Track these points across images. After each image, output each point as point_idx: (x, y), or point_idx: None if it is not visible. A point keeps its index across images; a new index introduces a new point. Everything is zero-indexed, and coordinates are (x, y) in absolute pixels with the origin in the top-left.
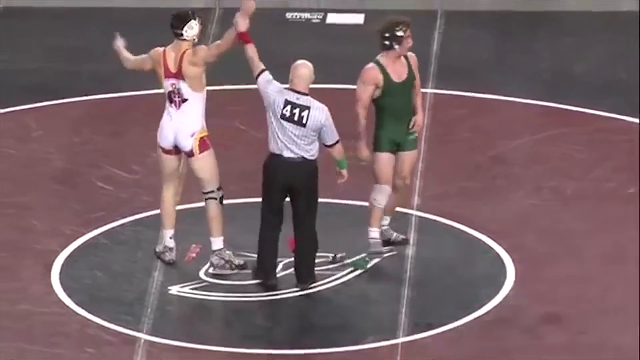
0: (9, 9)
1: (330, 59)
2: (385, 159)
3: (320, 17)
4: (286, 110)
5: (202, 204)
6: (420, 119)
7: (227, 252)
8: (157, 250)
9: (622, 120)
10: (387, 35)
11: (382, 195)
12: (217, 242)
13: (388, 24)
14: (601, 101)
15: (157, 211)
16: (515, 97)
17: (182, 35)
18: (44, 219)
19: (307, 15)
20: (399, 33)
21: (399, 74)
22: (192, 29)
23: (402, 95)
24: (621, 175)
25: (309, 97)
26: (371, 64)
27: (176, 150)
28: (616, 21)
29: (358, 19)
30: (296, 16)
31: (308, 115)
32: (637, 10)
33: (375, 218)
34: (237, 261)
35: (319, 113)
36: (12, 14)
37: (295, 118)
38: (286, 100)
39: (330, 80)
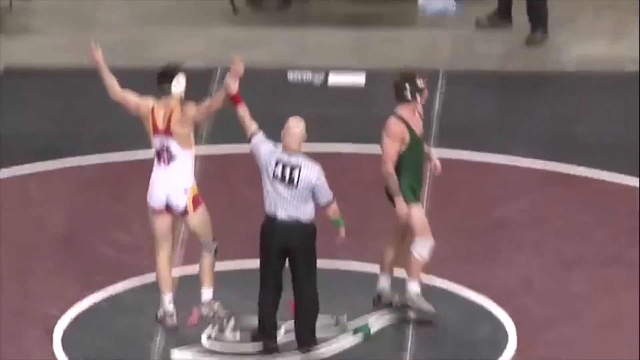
0: (10, 70)
1: (332, 119)
2: (420, 209)
3: (322, 77)
4: (277, 170)
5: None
6: (439, 164)
7: (216, 303)
8: (158, 316)
9: (624, 182)
10: (408, 86)
11: (427, 249)
12: (208, 293)
13: (408, 75)
14: (602, 162)
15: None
16: (516, 158)
17: (170, 91)
18: (45, 283)
19: (308, 75)
20: (420, 84)
21: (418, 126)
22: (179, 84)
23: (421, 147)
24: (622, 237)
25: (300, 156)
26: (394, 119)
27: (168, 209)
28: (617, 82)
29: (360, 79)
30: (297, 76)
31: (299, 175)
32: (637, 71)
33: (417, 272)
34: (223, 312)
35: (310, 172)
36: (13, 74)
37: (287, 178)
38: (277, 159)
39: (332, 140)
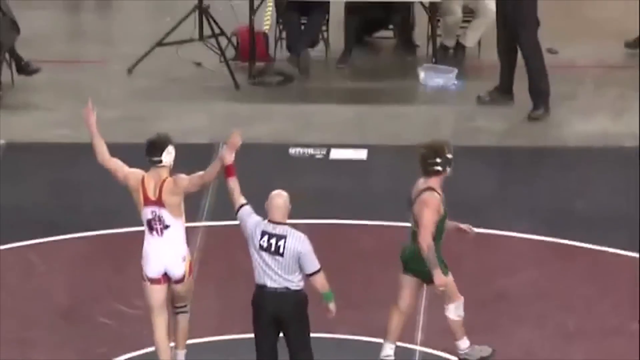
0: (11, 145)
1: (334, 194)
2: (450, 276)
3: (324, 152)
4: (263, 241)
5: (211, 338)
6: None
7: None
8: None
9: (624, 255)
10: (440, 160)
11: (462, 308)
12: (183, 354)
13: (438, 148)
14: (603, 236)
15: None
16: (518, 232)
17: (160, 162)
18: (46, 354)
19: (310, 150)
20: (450, 155)
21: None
22: (170, 154)
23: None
24: (623, 310)
25: (286, 227)
26: (430, 192)
27: (164, 278)
28: (617, 157)
29: (361, 154)
30: (299, 151)
31: (285, 245)
32: (637, 146)
33: (461, 330)
34: None
35: (295, 241)
36: (14, 149)
37: (272, 248)
38: (263, 231)
39: (333, 215)
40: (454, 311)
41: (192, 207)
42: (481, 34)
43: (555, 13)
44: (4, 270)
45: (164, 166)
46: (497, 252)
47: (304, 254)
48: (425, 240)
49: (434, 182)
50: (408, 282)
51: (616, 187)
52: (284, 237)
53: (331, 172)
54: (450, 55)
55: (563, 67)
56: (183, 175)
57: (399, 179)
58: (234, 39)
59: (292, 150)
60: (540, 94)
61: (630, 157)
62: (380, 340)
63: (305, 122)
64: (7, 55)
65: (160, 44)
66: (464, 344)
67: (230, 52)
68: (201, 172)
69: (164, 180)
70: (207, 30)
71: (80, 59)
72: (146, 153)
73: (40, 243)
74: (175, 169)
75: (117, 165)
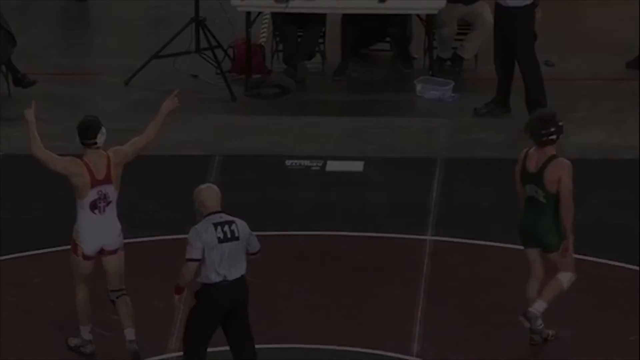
0: (8, 157)
1: (330, 206)
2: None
3: (320, 164)
4: (219, 233)
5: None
6: None
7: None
8: (73, 344)
9: (623, 267)
10: (554, 129)
11: (570, 283)
12: (133, 333)
13: (550, 118)
14: (602, 249)
15: (158, 357)
16: (513, 244)
17: (96, 144)
18: None
19: (306, 162)
20: (561, 123)
21: None
22: (103, 135)
23: None
24: (622, 322)
25: (225, 214)
26: (561, 159)
27: (97, 255)
28: (616, 169)
29: (357, 166)
30: (296, 163)
31: (237, 228)
32: (634, 157)
33: (552, 297)
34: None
35: (242, 224)
36: (11, 161)
37: (229, 234)
38: (213, 224)
39: (330, 227)
40: (567, 281)
41: (185, 218)
42: (478, 46)
43: (552, 25)
44: (0, 282)
45: (99, 147)
46: (494, 264)
47: (251, 233)
48: (572, 206)
49: (552, 150)
50: (535, 255)
51: (614, 199)
52: (232, 221)
53: (328, 184)
54: (447, 67)
55: (560, 79)
56: (119, 147)
57: (396, 191)
58: (230, 51)
59: (288, 162)
60: (537, 106)
61: (628, 169)
62: (377, 352)
63: (301, 134)
64: (3, 68)
65: (156, 56)
66: (542, 307)
67: (226, 64)
68: (139, 137)
69: (108, 157)
70: (203, 43)
71: (76, 71)
72: (81, 137)
73: (36, 254)
74: (171, 181)
75: (49, 156)
